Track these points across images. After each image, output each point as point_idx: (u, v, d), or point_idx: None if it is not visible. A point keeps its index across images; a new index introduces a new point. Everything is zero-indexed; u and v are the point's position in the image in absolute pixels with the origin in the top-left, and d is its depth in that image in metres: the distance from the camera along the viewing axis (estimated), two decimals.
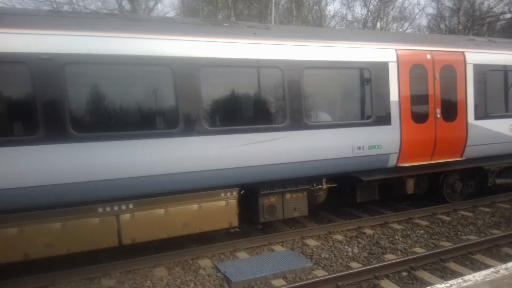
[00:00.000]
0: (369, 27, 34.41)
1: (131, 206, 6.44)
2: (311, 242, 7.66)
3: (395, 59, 8.19)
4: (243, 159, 6.95)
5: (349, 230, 8.34)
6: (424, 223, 8.76)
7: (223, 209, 7.11)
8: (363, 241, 7.74)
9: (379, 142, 8.04)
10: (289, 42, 7.37)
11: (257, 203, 7.60)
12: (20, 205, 5.71)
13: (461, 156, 9.13)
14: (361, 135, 7.89)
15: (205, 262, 6.81)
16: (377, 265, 6.40)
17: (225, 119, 6.98)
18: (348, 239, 7.87)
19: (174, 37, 6.54)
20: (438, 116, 8.64)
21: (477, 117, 9.08)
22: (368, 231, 8.25)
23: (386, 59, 8.11)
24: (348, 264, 6.78)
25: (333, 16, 37.94)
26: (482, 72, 9.14)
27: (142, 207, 6.52)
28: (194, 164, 6.60)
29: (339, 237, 7.96)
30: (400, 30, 36.12)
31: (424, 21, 50.37)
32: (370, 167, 8.20)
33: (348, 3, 40.30)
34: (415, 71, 8.41)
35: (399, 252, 7.27)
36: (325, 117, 7.88)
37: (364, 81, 8.01)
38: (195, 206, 6.88)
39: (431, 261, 6.70)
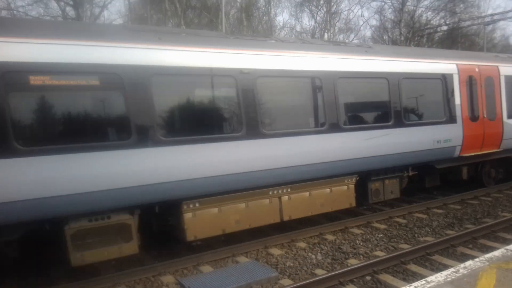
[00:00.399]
0: (317, 38, 35.35)
1: (289, 190, 8.07)
2: (275, 251, 7.63)
3: (457, 72, 10.42)
4: (364, 151, 8.68)
5: (311, 237, 8.39)
6: (382, 226, 8.98)
7: (346, 192, 8.84)
8: (325, 247, 7.80)
9: (450, 137, 10.14)
10: (391, 58, 9.38)
11: (366, 188, 9.37)
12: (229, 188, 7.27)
13: (499, 148, 11.38)
14: (439, 131, 9.94)
15: (168, 279, 6.56)
16: (341, 271, 6.43)
17: (354, 119, 8.79)
18: (311, 246, 7.90)
19: (324, 55, 8.39)
20: (485, 116, 10.94)
21: (509, 117, 11.52)
22: (330, 237, 8.34)
23: (451, 72, 10.35)
24: (313, 271, 6.78)
25: (283, 27, 38.78)
26: (510, 81, 11.62)
27: (296, 190, 8.16)
28: (336, 155, 8.32)
29: (302, 244, 7.98)
30: (347, 41, 37.35)
31: (368, 33, 52.53)
32: (442, 157, 10.25)
33: (296, 14, 41.34)
34: (469, 81, 10.71)
35: (361, 256, 7.38)
36: (414, 117, 9.83)
37: (440, 88, 10.12)
38: (327, 190, 8.56)
39: (392, 264, 6.83)
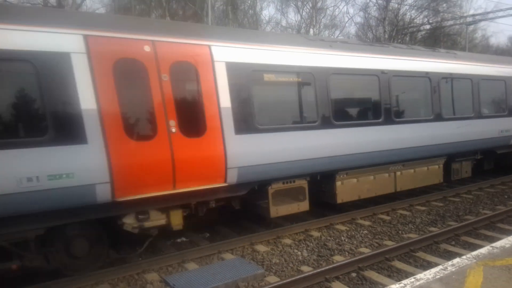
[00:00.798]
0: (303, 34, 35.32)
1: (401, 166, 9.95)
2: (261, 248, 7.59)
3: None
4: (455, 136, 10.69)
5: (296, 233, 8.38)
6: (367, 223, 9.04)
7: (437, 170, 10.83)
8: (311, 244, 7.80)
9: (509, 127, 12.33)
10: (474, 63, 11.60)
11: (450, 168, 11.27)
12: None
13: None
14: (502, 123, 12.14)
15: (152, 276, 6.45)
16: (327, 267, 6.44)
17: (449, 111, 10.72)
18: (296, 242, 7.89)
19: (431, 59, 10.53)
20: None
21: None
22: (315, 234, 8.34)
23: (510, 75, 12.56)
24: (299, 268, 6.77)
25: (268, 21, 38.72)
26: None
27: (405, 167, 10.07)
28: (439, 139, 10.33)
29: (288, 241, 7.96)
30: (332, 37, 37.45)
31: (353, 30, 52.85)
32: (502, 144, 12.38)
33: (282, 9, 41.28)
34: None
35: (346, 253, 7.40)
36: (487, 110, 11.88)
37: (503, 88, 12.38)
38: (425, 168, 10.53)
39: (377, 261, 6.88)
